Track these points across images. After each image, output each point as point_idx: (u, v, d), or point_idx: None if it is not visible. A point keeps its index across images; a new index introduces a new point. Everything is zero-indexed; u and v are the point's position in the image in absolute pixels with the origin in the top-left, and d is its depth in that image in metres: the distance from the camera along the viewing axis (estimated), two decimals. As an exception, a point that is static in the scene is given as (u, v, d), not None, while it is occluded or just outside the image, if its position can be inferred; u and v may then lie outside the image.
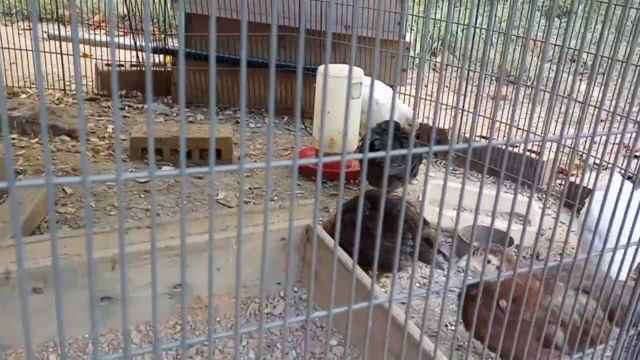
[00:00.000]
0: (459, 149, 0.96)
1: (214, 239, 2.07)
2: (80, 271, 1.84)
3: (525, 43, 3.88)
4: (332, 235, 2.21)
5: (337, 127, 3.35)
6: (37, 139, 3.68)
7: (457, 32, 5.72)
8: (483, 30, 4.07)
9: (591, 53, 4.27)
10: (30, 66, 4.43)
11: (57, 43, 4.35)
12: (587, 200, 2.44)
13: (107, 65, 4.71)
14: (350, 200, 2.63)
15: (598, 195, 2.37)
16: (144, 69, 4.59)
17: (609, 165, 3.48)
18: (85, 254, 1.87)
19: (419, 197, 3.36)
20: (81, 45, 5.41)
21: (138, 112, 4.40)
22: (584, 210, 2.63)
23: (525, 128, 4.06)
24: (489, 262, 1.67)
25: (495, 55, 5.50)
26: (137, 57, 4.72)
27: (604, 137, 1.03)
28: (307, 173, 3.56)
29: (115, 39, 5.28)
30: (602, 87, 1.10)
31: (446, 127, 4.15)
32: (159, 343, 0.79)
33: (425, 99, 4.32)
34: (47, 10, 6.34)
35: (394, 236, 0.90)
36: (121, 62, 4.68)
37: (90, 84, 4.75)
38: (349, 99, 0.79)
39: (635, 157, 3.30)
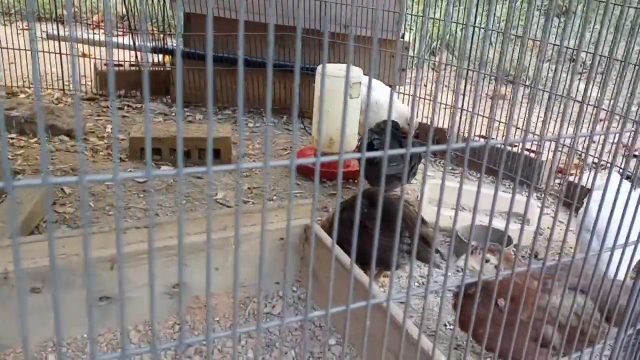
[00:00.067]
0: (457, 148, 0.96)
1: (213, 239, 2.07)
2: (79, 271, 1.84)
3: (525, 42, 3.89)
4: (330, 234, 2.21)
5: (336, 126, 3.34)
6: (35, 139, 3.67)
7: (456, 32, 5.73)
8: (482, 30, 4.07)
9: (590, 52, 4.28)
10: (29, 66, 4.43)
11: (56, 43, 4.35)
12: (585, 200, 2.44)
13: (106, 65, 4.71)
14: (349, 199, 2.63)
15: (596, 195, 2.37)
16: (143, 68, 4.59)
17: (608, 165, 3.48)
18: (87, 254, 1.86)
19: (417, 196, 3.36)
20: (80, 45, 5.41)
21: (137, 111, 4.40)
22: (582, 210, 2.63)
23: (525, 128, 4.04)
24: (487, 261, 1.67)
25: (494, 54, 5.50)
26: (136, 56, 4.72)
27: (602, 137, 1.03)
28: (306, 173, 3.56)
29: (114, 39, 5.28)
30: (601, 86, 1.11)
31: (446, 126, 4.15)
32: (157, 343, 0.79)
33: (425, 99, 4.32)
34: (45, 10, 6.34)
35: (391, 234, 0.90)
36: (120, 62, 4.68)
37: (89, 83, 4.75)
38: (346, 99, 0.79)
39: (635, 156, 3.30)
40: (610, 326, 1.55)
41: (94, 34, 5.92)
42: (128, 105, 4.46)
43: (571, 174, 3.69)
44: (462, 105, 3.92)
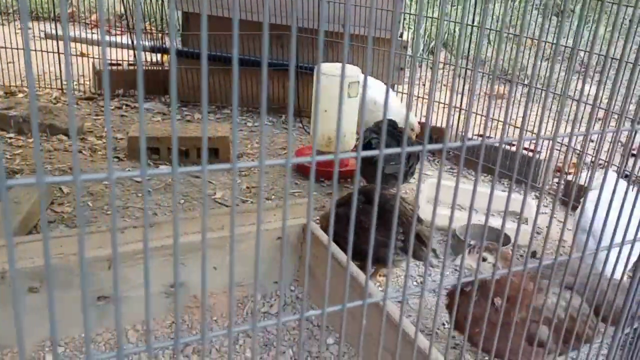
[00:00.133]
0: (454, 147, 0.96)
1: (211, 238, 2.08)
2: (77, 270, 1.84)
3: (522, 41, 3.88)
4: (327, 231, 2.21)
5: (335, 126, 3.34)
6: (37, 140, 3.67)
7: (454, 31, 5.72)
8: (480, 29, 4.07)
9: (587, 51, 4.27)
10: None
11: (54, 42, 4.35)
12: (582, 200, 2.44)
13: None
14: (345, 195, 2.64)
15: (592, 195, 2.37)
16: (143, 68, 4.58)
17: (604, 163, 3.48)
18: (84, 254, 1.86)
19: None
20: (78, 44, 5.41)
21: (136, 111, 4.39)
22: (579, 209, 2.63)
23: (521, 126, 4.05)
24: (484, 260, 1.67)
25: (492, 53, 5.50)
26: (135, 56, 4.72)
27: (599, 136, 1.03)
28: (305, 172, 3.56)
29: (113, 38, 5.26)
30: (597, 85, 1.10)
31: (445, 125, 4.14)
32: (153, 342, 0.79)
33: (423, 98, 4.32)
34: (44, 10, 6.33)
35: (384, 230, 0.90)
36: (118, 61, 4.68)
37: (88, 83, 4.74)
38: (341, 98, 0.79)
39: (633, 155, 3.31)
40: (607, 326, 1.55)
41: (92, 33, 5.92)
42: (126, 105, 4.46)
43: (569, 173, 3.69)
44: (461, 105, 3.92)
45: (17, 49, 4.31)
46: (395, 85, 4.48)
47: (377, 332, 1.09)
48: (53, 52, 4.37)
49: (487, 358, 1.93)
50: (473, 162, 3.80)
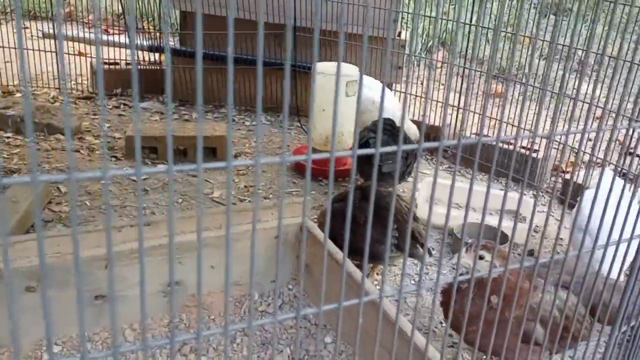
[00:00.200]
0: (450, 145, 0.96)
1: (209, 237, 2.07)
2: (74, 270, 1.84)
3: (519, 39, 3.89)
4: (323, 228, 2.21)
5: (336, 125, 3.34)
6: (31, 138, 3.67)
7: (452, 30, 5.72)
8: (480, 28, 4.07)
9: (584, 50, 4.28)
10: (25, 65, 4.42)
11: (52, 42, 4.34)
12: (579, 199, 2.44)
13: (104, 63, 4.70)
14: (343, 192, 2.66)
15: (588, 194, 2.37)
16: (141, 67, 4.58)
17: (601, 161, 3.48)
18: (80, 252, 1.86)
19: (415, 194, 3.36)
20: (76, 44, 5.40)
21: (134, 110, 4.39)
22: (575, 208, 2.64)
23: (517, 124, 4.05)
24: (481, 258, 1.68)
25: (491, 52, 5.50)
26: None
27: (596, 134, 1.03)
28: (303, 170, 3.56)
29: (111, 37, 5.25)
30: (594, 83, 1.11)
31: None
32: (149, 341, 0.79)
33: (421, 97, 4.32)
34: (41, 9, 6.33)
35: (378, 227, 0.90)
36: (116, 61, 4.67)
37: (86, 82, 4.74)
38: (337, 96, 0.79)
39: (630, 154, 3.31)
40: (603, 326, 1.55)
41: (90, 32, 5.91)
42: (124, 104, 4.45)
43: (566, 172, 3.70)
44: (459, 104, 3.93)
45: (15, 48, 4.30)
46: (394, 84, 4.48)
47: (374, 331, 1.09)
48: (51, 52, 4.37)
49: (484, 357, 1.93)
50: (471, 160, 3.80)
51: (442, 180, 3.31)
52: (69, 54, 4.54)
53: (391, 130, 3.08)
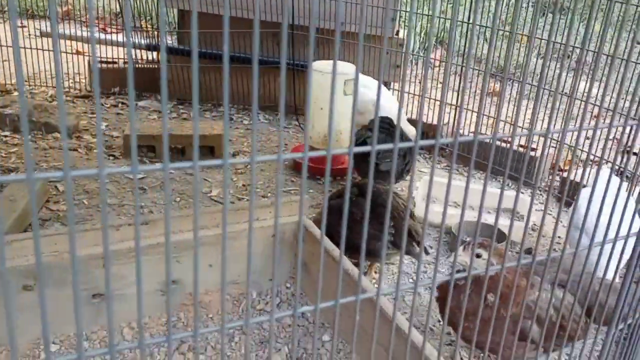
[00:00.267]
0: (446, 142, 0.96)
1: (207, 236, 2.07)
2: (71, 268, 1.84)
3: (517, 38, 3.89)
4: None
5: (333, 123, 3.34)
6: (29, 136, 3.66)
7: (450, 28, 5.71)
8: (480, 27, 4.07)
9: (580, 48, 4.28)
10: (23, 64, 4.42)
11: (50, 40, 4.33)
12: (576, 197, 2.45)
13: (101, 62, 4.69)
14: (340, 188, 2.66)
15: (585, 193, 2.37)
16: (138, 66, 4.58)
17: (599, 160, 3.48)
18: (77, 251, 1.86)
19: (414, 191, 3.36)
20: (74, 43, 5.40)
21: (130, 108, 4.39)
22: (572, 207, 2.64)
23: (524, 124, 4.09)
24: (479, 256, 1.68)
25: (488, 50, 5.50)
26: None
27: (594, 132, 1.04)
28: (301, 169, 3.56)
29: (109, 36, 5.23)
30: (590, 81, 1.11)
31: (444, 122, 4.15)
32: (146, 339, 0.79)
33: (419, 95, 4.31)
34: (38, 7, 6.32)
35: (375, 223, 0.90)
36: (114, 59, 4.67)
37: (84, 81, 4.73)
38: (333, 95, 0.79)
39: (627, 152, 3.31)
40: (599, 327, 1.56)
41: (88, 31, 5.90)
42: (122, 103, 4.45)
43: (563, 170, 3.70)
44: (456, 102, 3.93)
45: (16, 47, 4.29)
46: (392, 83, 4.48)
47: (372, 328, 1.09)
48: (49, 50, 4.36)
49: (482, 355, 1.94)
50: (469, 159, 3.80)
51: (441, 179, 3.31)
52: (66, 52, 4.54)
53: (389, 129, 3.08)
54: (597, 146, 3.47)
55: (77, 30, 5.25)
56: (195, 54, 0.67)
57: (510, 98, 4.32)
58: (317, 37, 4.33)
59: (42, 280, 0.71)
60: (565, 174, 3.62)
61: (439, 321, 2.33)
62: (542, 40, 4.11)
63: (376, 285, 2.42)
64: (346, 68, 3.39)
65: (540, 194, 3.56)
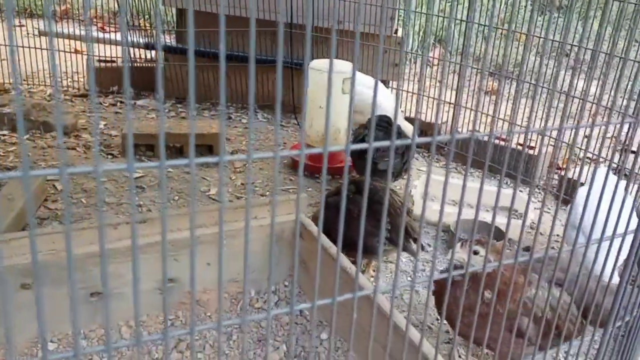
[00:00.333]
0: (443, 140, 0.96)
1: (206, 234, 2.07)
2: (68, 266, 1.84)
3: (515, 36, 3.89)
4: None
5: (331, 122, 3.34)
6: (27, 136, 3.66)
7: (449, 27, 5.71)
8: (480, 26, 4.07)
9: (577, 45, 4.28)
10: (22, 62, 4.41)
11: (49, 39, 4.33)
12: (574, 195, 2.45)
13: (99, 61, 4.69)
14: (338, 185, 2.66)
15: (582, 191, 2.37)
16: (136, 64, 4.57)
17: (595, 157, 3.49)
18: (75, 249, 1.86)
19: (410, 190, 3.36)
20: (73, 42, 5.40)
21: (130, 107, 4.39)
22: (569, 206, 2.64)
23: (523, 123, 4.09)
24: (476, 253, 1.68)
25: (491, 50, 5.50)
26: (128, 52, 4.70)
27: (593, 131, 1.04)
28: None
29: (107, 35, 5.22)
30: (587, 79, 1.11)
31: (442, 121, 4.15)
32: (143, 336, 0.79)
33: (418, 94, 4.31)
34: (37, 6, 6.31)
35: (372, 220, 0.90)
36: (113, 58, 4.66)
37: (82, 80, 4.73)
38: (330, 93, 0.79)
39: (625, 150, 3.32)
40: (595, 327, 1.56)
41: (86, 30, 5.90)
42: (121, 102, 4.45)
43: (561, 168, 3.70)
44: (455, 100, 3.93)
45: (11, 46, 4.29)
46: (390, 82, 4.48)
47: (369, 326, 1.09)
48: (47, 49, 4.36)
49: (479, 352, 1.94)
50: (467, 157, 3.81)
51: (439, 177, 3.31)
52: (65, 51, 4.53)
53: (387, 127, 3.09)
54: (595, 144, 3.47)
55: (75, 29, 5.25)
56: (192, 52, 0.68)
57: (508, 96, 4.33)
58: (316, 36, 4.33)
59: (38, 279, 0.71)
60: (563, 172, 3.62)
61: (437, 319, 2.34)
62: (540, 39, 4.11)
63: (374, 283, 2.42)
64: (345, 67, 3.39)
65: (538, 192, 3.57)
